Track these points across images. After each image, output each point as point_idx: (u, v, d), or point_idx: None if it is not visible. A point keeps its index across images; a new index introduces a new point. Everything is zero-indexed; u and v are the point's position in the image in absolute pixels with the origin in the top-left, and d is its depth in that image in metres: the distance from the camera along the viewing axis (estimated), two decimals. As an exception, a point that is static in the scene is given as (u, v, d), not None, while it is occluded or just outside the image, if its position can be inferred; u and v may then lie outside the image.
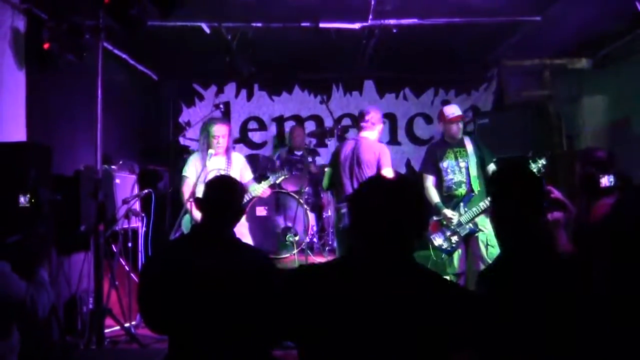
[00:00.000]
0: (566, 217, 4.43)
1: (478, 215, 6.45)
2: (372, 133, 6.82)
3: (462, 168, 6.71)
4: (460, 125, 6.84)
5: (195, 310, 3.36)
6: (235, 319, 3.35)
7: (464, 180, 6.66)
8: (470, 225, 6.49)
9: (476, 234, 6.51)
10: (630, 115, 8.12)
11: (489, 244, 6.47)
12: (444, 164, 6.77)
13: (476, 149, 6.79)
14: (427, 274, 2.46)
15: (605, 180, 4.32)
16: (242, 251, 3.66)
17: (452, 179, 6.73)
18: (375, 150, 6.66)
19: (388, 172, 6.55)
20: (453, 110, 6.92)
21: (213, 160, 6.76)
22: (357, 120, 7.01)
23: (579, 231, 4.41)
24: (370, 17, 7.19)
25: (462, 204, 6.57)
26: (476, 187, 6.60)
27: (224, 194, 3.73)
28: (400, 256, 2.42)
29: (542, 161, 6.21)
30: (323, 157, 9.60)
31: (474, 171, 6.66)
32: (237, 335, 3.33)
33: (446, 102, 10.28)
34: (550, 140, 8.97)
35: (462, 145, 6.82)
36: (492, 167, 6.77)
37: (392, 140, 10.47)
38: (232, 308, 3.35)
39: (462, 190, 6.65)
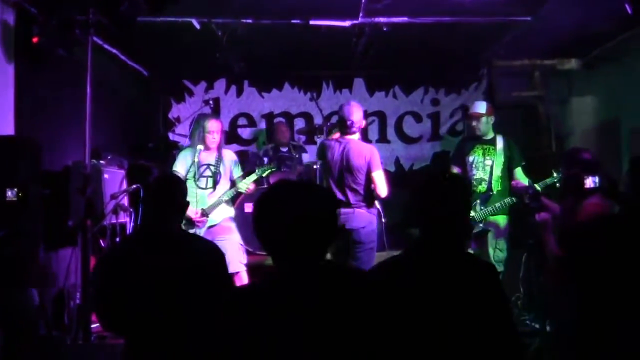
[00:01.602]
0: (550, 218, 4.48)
1: (492, 215, 6.53)
2: (356, 134, 6.54)
3: (487, 166, 6.77)
4: (480, 123, 6.85)
5: (147, 307, 3.39)
6: (185, 313, 3.39)
7: (486, 178, 6.73)
8: (482, 225, 6.54)
9: (487, 235, 6.57)
10: (620, 116, 8.16)
11: (497, 247, 6.55)
12: (470, 159, 6.86)
13: (506, 149, 6.83)
14: (341, 276, 2.41)
15: (590, 182, 4.35)
16: (189, 245, 3.76)
17: (474, 175, 6.79)
18: (366, 154, 6.36)
19: (378, 175, 6.30)
20: (474, 107, 7.03)
21: (203, 156, 6.77)
22: (340, 125, 6.62)
23: (564, 232, 4.44)
24: (361, 14, 7.19)
25: (478, 201, 6.60)
26: (496, 187, 6.67)
27: (165, 191, 3.83)
28: (313, 267, 2.33)
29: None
30: (310, 154, 9.58)
31: (497, 171, 6.71)
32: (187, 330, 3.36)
33: (436, 101, 10.32)
34: (539, 140, 9.01)
35: (492, 142, 6.87)
36: (519, 171, 6.78)
37: (382, 139, 10.46)
38: (183, 303, 3.39)
39: (482, 187, 6.72)
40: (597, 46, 8.34)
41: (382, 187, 6.29)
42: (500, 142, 6.86)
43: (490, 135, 6.92)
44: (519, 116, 9.19)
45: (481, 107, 6.98)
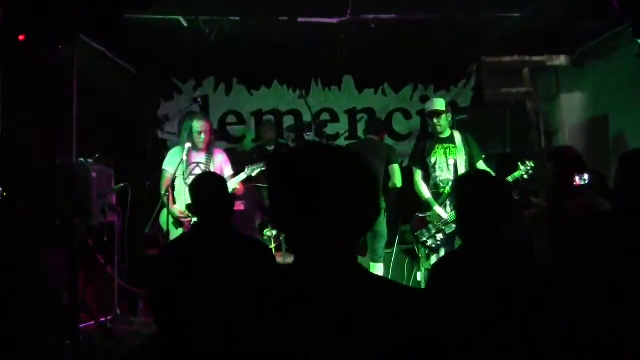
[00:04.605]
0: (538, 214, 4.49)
1: None
2: (376, 136, 7.62)
3: (451, 165, 6.72)
4: (441, 120, 6.82)
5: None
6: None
7: (452, 178, 6.67)
8: (455, 225, 6.49)
9: None
10: (608, 113, 8.17)
11: None
12: (432, 160, 6.79)
13: (465, 145, 6.79)
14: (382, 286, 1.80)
15: (579, 180, 4.35)
16: (239, 244, 3.74)
17: (439, 176, 6.74)
18: (386, 148, 7.50)
19: (397, 168, 7.24)
20: (431, 104, 6.95)
21: (193, 154, 6.76)
22: (371, 126, 7.86)
23: (555, 229, 4.44)
24: (349, 11, 7.17)
25: (448, 202, 6.57)
26: None
27: (211, 192, 3.82)
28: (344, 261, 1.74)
29: (531, 164, 6.26)
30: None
31: (462, 169, 6.67)
32: None
33: (425, 98, 10.26)
34: (528, 137, 9.01)
35: (452, 141, 6.82)
36: (481, 164, 6.78)
37: (371, 136, 10.42)
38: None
39: (450, 188, 6.66)
40: (585, 43, 8.35)
41: (399, 178, 7.23)
42: (458, 139, 6.83)
43: (448, 133, 6.88)
44: (508, 112, 9.16)
45: (441, 104, 6.94)
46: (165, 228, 6.56)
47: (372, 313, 1.65)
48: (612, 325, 3.15)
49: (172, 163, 6.78)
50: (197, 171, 6.71)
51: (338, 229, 1.70)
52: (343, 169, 1.73)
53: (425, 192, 6.81)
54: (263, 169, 7.06)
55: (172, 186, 6.65)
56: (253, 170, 6.95)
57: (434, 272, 3.29)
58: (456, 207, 3.45)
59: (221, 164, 6.95)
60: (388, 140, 10.22)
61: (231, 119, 10.36)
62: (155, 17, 7.09)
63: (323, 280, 1.69)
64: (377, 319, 1.64)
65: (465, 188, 3.27)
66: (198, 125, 6.78)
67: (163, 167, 6.89)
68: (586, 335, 3.25)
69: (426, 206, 6.77)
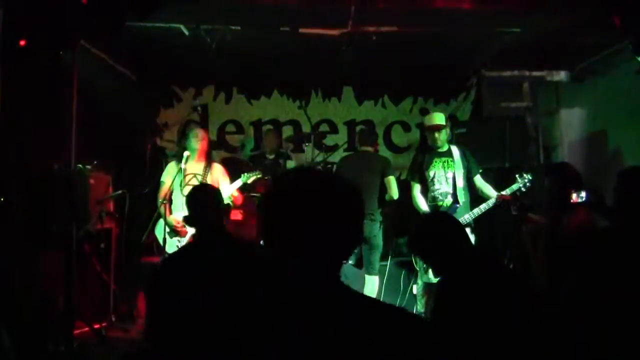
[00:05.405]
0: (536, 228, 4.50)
1: (476, 217, 6.53)
2: (371, 147, 7.55)
3: (449, 179, 6.73)
4: (441, 134, 6.83)
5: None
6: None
7: (450, 191, 6.70)
8: None
9: None
10: (607, 128, 8.18)
11: None
12: (431, 173, 6.81)
13: (463, 159, 6.81)
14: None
15: (576, 196, 4.35)
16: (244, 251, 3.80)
17: (438, 189, 6.75)
18: (381, 160, 7.43)
19: (392, 180, 7.18)
20: (430, 119, 6.98)
21: (190, 165, 6.77)
22: (365, 139, 7.68)
23: (551, 244, 4.44)
24: (350, 23, 7.17)
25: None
26: (461, 198, 6.63)
27: (206, 203, 3.88)
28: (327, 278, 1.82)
29: (528, 176, 6.27)
30: (297, 162, 9.51)
31: (460, 182, 6.69)
32: None
33: (425, 111, 10.26)
34: (527, 151, 9.00)
35: (449, 154, 6.85)
36: (478, 178, 6.79)
37: (370, 148, 10.39)
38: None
39: (448, 201, 6.67)
40: (586, 59, 8.37)
41: (395, 190, 7.13)
42: (456, 153, 6.85)
43: (446, 147, 6.92)
44: (507, 126, 9.16)
45: (440, 118, 6.96)
46: (161, 238, 6.58)
47: (352, 332, 1.68)
48: (610, 341, 3.14)
49: (170, 175, 6.83)
50: (194, 182, 6.73)
51: (323, 251, 1.79)
52: (335, 199, 1.83)
53: (422, 204, 6.82)
54: (259, 176, 7.08)
55: (170, 197, 6.68)
56: (248, 178, 6.97)
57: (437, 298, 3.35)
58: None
59: (218, 177, 6.97)
60: (386, 152, 10.22)
61: (230, 128, 10.34)
62: (157, 25, 7.10)
63: (305, 295, 1.77)
64: (357, 338, 1.66)
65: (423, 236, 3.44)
66: (194, 136, 6.86)
67: (161, 179, 6.97)
68: (583, 350, 3.24)
69: None
